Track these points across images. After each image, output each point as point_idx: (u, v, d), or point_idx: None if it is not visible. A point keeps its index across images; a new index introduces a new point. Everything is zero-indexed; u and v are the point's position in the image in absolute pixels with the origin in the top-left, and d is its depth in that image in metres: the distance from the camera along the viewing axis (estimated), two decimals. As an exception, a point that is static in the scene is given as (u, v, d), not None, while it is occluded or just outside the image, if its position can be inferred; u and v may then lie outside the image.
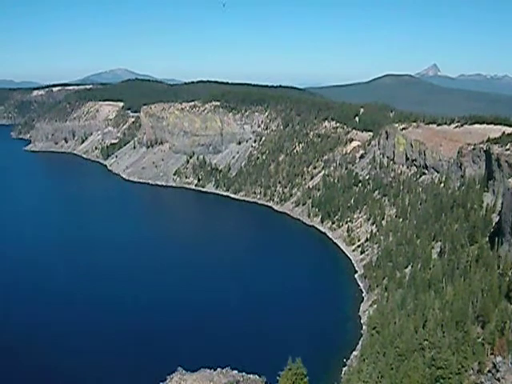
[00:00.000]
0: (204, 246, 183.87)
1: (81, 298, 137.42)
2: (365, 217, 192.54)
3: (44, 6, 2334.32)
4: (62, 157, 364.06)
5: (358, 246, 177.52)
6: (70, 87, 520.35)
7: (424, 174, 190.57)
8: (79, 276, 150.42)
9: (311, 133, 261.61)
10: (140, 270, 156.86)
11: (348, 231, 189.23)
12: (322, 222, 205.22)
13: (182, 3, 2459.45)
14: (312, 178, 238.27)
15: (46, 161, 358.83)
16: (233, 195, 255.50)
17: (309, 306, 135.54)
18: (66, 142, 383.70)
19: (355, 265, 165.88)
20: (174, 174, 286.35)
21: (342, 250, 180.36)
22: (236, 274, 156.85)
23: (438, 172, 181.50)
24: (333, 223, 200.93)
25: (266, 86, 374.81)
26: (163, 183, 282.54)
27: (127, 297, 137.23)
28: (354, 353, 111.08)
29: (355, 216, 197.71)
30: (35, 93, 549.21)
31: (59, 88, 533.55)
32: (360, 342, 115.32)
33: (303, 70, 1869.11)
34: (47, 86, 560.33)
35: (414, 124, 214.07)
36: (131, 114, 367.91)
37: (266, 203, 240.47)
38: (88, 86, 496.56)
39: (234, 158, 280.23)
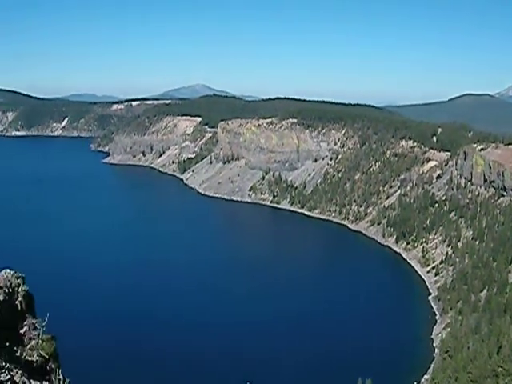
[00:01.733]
0: (276, 263, 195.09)
1: (149, 309, 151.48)
2: (440, 238, 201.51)
3: (124, 23, 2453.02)
4: (140, 170, 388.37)
5: (433, 268, 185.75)
6: (149, 102, 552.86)
7: (502, 195, 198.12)
8: (151, 293, 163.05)
9: (388, 152, 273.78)
10: (209, 288, 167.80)
11: (423, 252, 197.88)
12: (397, 242, 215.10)
13: (263, 22, 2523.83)
14: (388, 198, 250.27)
15: (123, 173, 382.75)
16: (307, 212, 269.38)
17: (380, 326, 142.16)
18: (144, 155, 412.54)
19: (429, 286, 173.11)
20: (250, 190, 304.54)
21: (416, 271, 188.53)
22: (306, 292, 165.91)
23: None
24: (408, 243, 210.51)
25: (343, 104, 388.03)
26: (238, 199, 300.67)
27: (199, 314, 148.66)
28: (426, 376, 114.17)
29: (430, 237, 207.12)
30: (115, 107, 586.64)
31: (138, 102, 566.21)
32: (432, 366, 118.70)
33: (381, 88, 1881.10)
34: (127, 101, 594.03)
35: (493, 145, 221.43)
36: (208, 130, 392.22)
37: (340, 221, 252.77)
38: (167, 101, 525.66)
39: (309, 175, 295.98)
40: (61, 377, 20.27)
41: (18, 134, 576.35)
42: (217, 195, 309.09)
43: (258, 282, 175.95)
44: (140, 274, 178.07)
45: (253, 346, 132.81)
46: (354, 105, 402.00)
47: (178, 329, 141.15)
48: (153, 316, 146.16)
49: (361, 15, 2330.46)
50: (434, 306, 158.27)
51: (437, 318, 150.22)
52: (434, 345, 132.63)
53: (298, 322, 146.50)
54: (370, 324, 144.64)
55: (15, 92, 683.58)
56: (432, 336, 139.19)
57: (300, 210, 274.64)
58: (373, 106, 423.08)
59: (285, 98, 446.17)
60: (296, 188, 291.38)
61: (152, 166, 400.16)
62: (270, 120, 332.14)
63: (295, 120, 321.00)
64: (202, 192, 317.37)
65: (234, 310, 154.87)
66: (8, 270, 27.00)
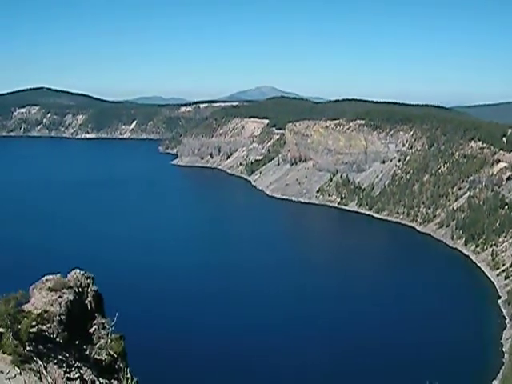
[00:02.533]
0: (341, 265, 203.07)
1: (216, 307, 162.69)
2: (511, 241, 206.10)
3: (193, 26, 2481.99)
4: (207, 172, 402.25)
5: (503, 271, 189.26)
6: (217, 104, 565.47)
7: None
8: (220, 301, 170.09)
9: (457, 153, 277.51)
10: (277, 291, 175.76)
11: (492, 255, 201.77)
12: (466, 245, 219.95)
13: (330, 24, 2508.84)
14: (456, 200, 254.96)
15: (191, 175, 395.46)
16: (375, 214, 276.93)
17: (448, 329, 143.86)
18: (212, 157, 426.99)
19: (499, 290, 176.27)
20: (317, 192, 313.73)
21: (485, 274, 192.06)
22: (374, 295, 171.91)
23: None
24: (477, 246, 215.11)
25: (411, 105, 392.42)
26: (306, 200, 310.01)
27: (265, 316, 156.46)
28: (495, 382, 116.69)
29: (500, 240, 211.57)
30: (183, 109, 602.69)
31: (206, 105, 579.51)
32: (501, 371, 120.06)
33: (449, 88, 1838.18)
34: (195, 103, 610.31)
35: None
36: (276, 131, 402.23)
37: (408, 223, 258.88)
38: (234, 103, 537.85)
39: (377, 176, 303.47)
40: (129, 375, 22.66)
41: (87, 136, 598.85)
42: (284, 197, 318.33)
43: (326, 283, 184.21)
44: (208, 276, 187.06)
45: (326, 348, 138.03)
46: (422, 105, 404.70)
47: (242, 330, 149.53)
48: (218, 318, 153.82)
49: (425, 13, 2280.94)
50: (503, 309, 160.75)
51: (507, 322, 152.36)
52: (504, 349, 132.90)
53: (367, 324, 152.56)
54: (439, 327, 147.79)
55: (85, 95, 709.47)
56: (502, 341, 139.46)
57: (368, 212, 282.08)
58: (441, 107, 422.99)
59: (352, 100, 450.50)
60: (364, 190, 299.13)
61: (220, 167, 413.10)
62: (337, 121, 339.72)
63: (363, 121, 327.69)
64: (270, 194, 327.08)
65: (299, 310, 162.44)
66: (78, 270, 33.68)
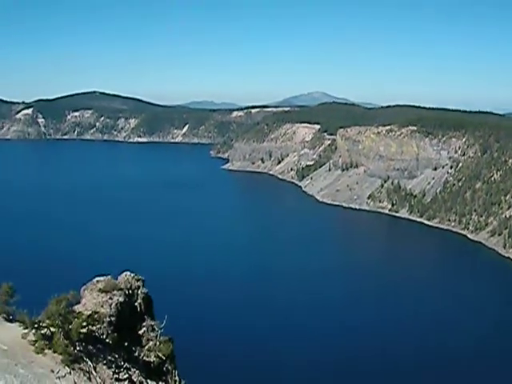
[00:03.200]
0: (390, 272, 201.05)
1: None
2: None
3: (245, 31, 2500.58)
4: (258, 176, 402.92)
5: None
6: (269, 109, 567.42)
7: None
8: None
9: (510, 160, 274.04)
10: (326, 296, 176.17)
11: None
12: None
13: (383, 31, 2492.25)
14: (509, 208, 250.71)
15: (242, 180, 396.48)
16: (426, 222, 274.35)
17: (500, 339, 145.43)
18: (263, 162, 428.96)
19: None
20: (368, 198, 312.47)
21: None
22: (421, 302, 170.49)
23: None
24: None
25: (464, 111, 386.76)
26: (356, 206, 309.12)
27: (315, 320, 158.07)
28: None
29: None
30: (234, 114, 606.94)
31: (258, 110, 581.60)
32: None
33: (503, 94, 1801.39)
34: (246, 108, 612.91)
35: None
36: (327, 137, 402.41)
37: (460, 231, 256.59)
38: (286, 108, 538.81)
39: (429, 183, 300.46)
40: (177, 378, 24.06)
41: (139, 140, 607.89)
42: (335, 203, 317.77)
43: (375, 289, 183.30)
44: (258, 280, 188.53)
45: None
46: (475, 112, 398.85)
47: (295, 336, 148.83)
48: (266, 323, 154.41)
49: (476, 18, 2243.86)
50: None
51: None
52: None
53: (418, 331, 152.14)
54: (491, 336, 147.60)
55: (138, 99, 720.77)
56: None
57: (419, 219, 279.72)
58: (494, 113, 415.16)
59: (404, 105, 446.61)
60: (415, 196, 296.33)
61: (271, 172, 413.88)
62: (389, 127, 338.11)
63: (415, 127, 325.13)
64: (320, 199, 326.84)
65: (347, 315, 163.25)
66: (128, 273, 34.26)
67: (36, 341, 21.26)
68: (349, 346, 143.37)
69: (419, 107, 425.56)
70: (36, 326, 21.64)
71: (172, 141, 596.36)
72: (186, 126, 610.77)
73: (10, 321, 25.62)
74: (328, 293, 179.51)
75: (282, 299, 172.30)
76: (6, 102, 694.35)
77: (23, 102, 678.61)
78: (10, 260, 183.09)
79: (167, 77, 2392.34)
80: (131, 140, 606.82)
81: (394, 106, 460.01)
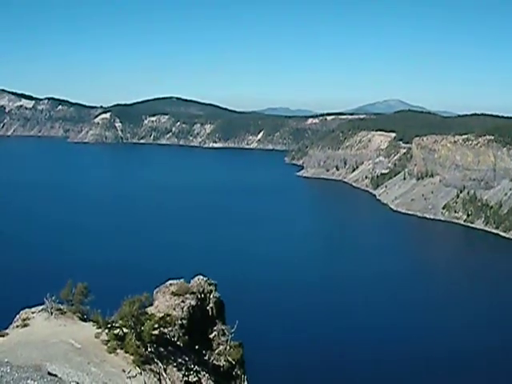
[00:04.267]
0: (462, 285, 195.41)
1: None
2: None
3: (321, 39, 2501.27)
4: (332, 184, 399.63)
5: None
6: (344, 116, 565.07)
7: None
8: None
9: None
10: (398, 304, 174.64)
11: None
12: None
13: (461, 36, 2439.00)
14: None
15: (316, 187, 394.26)
16: (502, 233, 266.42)
17: None
18: (337, 169, 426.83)
19: None
20: (443, 208, 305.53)
21: None
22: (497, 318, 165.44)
23: None
24: None
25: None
26: (431, 216, 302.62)
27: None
28: None
29: None
30: (309, 121, 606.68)
31: (333, 117, 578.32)
32: None
33: None
34: (321, 115, 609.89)
35: None
36: (403, 145, 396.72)
37: None
38: (361, 116, 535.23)
39: (506, 194, 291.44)
40: (246, 383, 24.34)
41: (215, 145, 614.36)
42: (409, 212, 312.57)
43: (447, 300, 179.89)
44: (328, 288, 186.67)
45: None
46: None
47: (370, 341, 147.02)
48: (338, 331, 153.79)
49: None
50: None
51: None
52: None
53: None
54: None
55: (214, 105, 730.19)
56: None
57: (494, 231, 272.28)
58: None
59: (482, 114, 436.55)
60: (491, 207, 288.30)
61: (345, 180, 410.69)
62: (466, 136, 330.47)
63: (492, 137, 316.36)
64: (394, 208, 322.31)
65: (418, 323, 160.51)
66: (201, 277, 34.54)
67: (109, 340, 21.73)
68: (432, 350, 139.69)
69: (497, 116, 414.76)
70: (109, 326, 22.13)
71: (247, 147, 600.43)
72: (261, 133, 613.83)
73: (84, 320, 26.42)
74: (404, 299, 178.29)
75: (352, 307, 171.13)
76: (85, 106, 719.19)
77: (101, 107, 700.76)
78: (86, 260, 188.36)
79: (244, 83, 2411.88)
80: (206, 145, 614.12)
81: (471, 115, 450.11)
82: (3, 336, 23.08)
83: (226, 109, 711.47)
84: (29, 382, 14.37)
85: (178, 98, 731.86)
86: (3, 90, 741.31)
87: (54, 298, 27.26)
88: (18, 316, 27.29)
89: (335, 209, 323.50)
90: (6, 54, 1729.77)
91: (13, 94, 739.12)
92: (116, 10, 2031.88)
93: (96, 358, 20.37)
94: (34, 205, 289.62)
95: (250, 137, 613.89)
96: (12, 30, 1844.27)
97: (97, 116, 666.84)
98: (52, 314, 25.87)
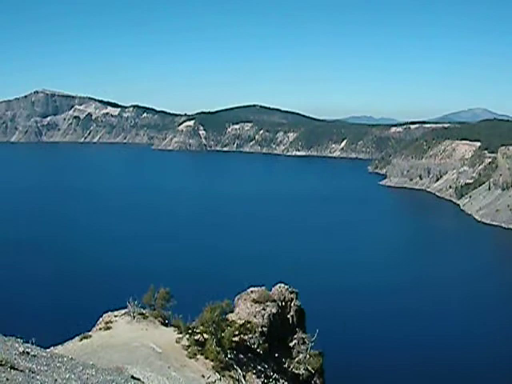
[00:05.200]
0: None
1: None
2: None
3: (404, 48, 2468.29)
4: (415, 193, 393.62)
5: None
6: (428, 125, 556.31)
7: None
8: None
9: None
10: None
11: None
12: None
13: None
14: None
15: (399, 196, 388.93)
16: None
17: None
18: (421, 179, 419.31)
19: None
20: None
21: None
22: None
23: None
24: None
25: None
26: None
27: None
28: None
29: None
30: (393, 129, 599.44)
31: (417, 125, 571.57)
32: None
33: None
34: (405, 123, 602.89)
35: None
36: (488, 155, 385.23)
37: None
38: (445, 125, 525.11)
39: None
40: None
41: (297, 153, 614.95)
42: (494, 223, 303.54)
43: None
44: (411, 295, 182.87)
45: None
46: None
47: (455, 348, 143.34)
48: (424, 339, 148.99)
49: None
50: None
51: None
52: None
53: None
54: None
55: (297, 114, 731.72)
56: None
57: None
58: None
59: None
60: None
61: (428, 190, 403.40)
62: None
63: None
64: (479, 219, 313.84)
65: None
66: (282, 285, 34.11)
67: (189, 346, 21.85)
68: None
69: None
70: (190, 331, 22.29)
71: (329, 155, 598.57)
72: (345, 141, 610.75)
73: (166, 325, 26.81)
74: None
75: (447, 311, 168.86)
76: (170, 114, 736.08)
77: (185, 115, 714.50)
78: (169, 266, 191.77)
79: (327, 92, 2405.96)
80: (289, 153, 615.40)
81: None
82: (86, 338, 23.55)
83: (308, 117, 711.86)
84: (114, 385, 14.45)
85: (261, 106, 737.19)
86: (90, 98, 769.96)
87: (136, 302, 27.74)
88: (101, 319, 27.93)
89: (418, 218, 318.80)
90: (93, 63, 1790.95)
91: (99, 101, 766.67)
92: (201, 21, 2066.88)
93: (176, 363, 20.45)
94: (119, 209, 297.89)
95: (333, 145, 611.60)
96: (101, 41, 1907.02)
97: (181, 123, 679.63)
98: (134, 317, 26.25)
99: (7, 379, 12.64)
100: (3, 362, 13.38)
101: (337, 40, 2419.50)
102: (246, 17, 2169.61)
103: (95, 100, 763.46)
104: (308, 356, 26.63)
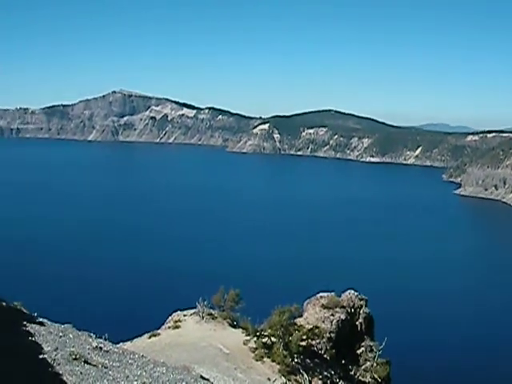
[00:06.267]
0: None
1: None
2: None
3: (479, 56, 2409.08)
4: (490, 203, 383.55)
5: None
6: (505, 134, 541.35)
7: None
8: None
9: None
10: None
11: None
12: None
13: None
14: None
15: (472, 206, 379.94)
16: None
17: None
18: (496, 189, 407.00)
19: None
20: None
21: None
22: None
23: None
24: None
25: None
26: None
27: None
28: None
29: None
30: (469, 138, 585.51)
31: (493, 134, 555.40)
32: None
33: None
34: (481, 132, 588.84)
35: None
36: None
37: None
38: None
39: None
40: None
41: (371, 160, 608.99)
42: None
43: None
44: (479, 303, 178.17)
45: None
46: None
47: None
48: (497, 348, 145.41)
49: None
50: None
51: None
52: None
53: None
54: None
55: (371, 119, 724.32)
56: None
57: None
58: None
59: None
60: None
61: (503, 200, 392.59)
62: None
63: None
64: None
65: None
66: (352, 291, 33.55)
67: (256, 348, 21.82)
68: None
69: None
70: (258, 334, 22.28)
71: (404, 162, 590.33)
72: (419, 148, 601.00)
73: (234, 326, 26.91)
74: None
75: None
76: (245, 117, 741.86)
77: (260, 118, 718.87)
78: (239, 267, 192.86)
79: (403, 98, 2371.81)
80: (363, 159, 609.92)
81: None
82: (155, 336, 23.85)
83: (383, 123, 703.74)
84: (183, 384, 14.51)
85: (336, 111, 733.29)
86: (166, 99, 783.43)
87: (205, 302, 27.95)
88: (170, 317, 28.29)
89: (492, 229, 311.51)
90: (170, 64, 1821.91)
91: (176, 103, 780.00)
92: (281, 24, 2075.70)
93: (243, 365, 20.44)
94: (193, 210, 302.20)
95: (408, 152, 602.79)
96: (179, 43, 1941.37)
97: (256, 127, 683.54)
98: (203, 318, 26.43)
99: (81, 373, 12.90)
100: (77, 357, 13.73)
101: (411, 46, 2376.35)
102: (329, 21, 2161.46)
103: (171, 101, 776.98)
104: (375, 364, 26.30)
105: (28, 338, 14.60)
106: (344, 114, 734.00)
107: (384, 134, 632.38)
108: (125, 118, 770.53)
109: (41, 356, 13.48)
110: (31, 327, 15.54)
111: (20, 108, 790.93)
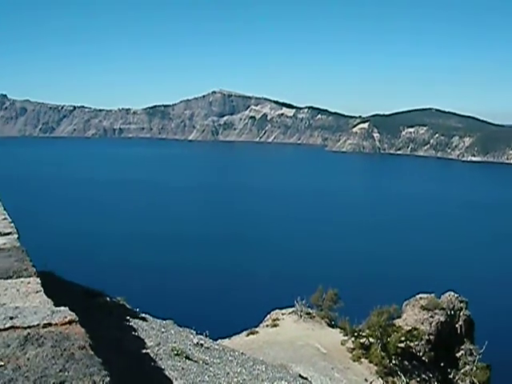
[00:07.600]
0: None
1: None
2: None
3: None
4: None
5: None
6: None
7: None
8: None
9: None
10: None
11: None
12: None
13: None
14: None
15: None
16: None
17: None
18: None
19: None
20: None
21: None
22: None
23: None
24: None
25: None
26: None
27: None
28: None
29: None
30: None
31: None
32: None
33: None
34: None
35: None
36: None
37: None
38: None
39: None
40: None
41: (473, 159, 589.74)
42: None
43: None
44: None
45: None
46: None
47: None
48: None
49: None
50: None
51: None
52: None
53: None
54: None
55: (474, 118, 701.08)
56: None
57: None
58: None
59: None
60: None
61: None
62: None
63: None
64: None
65: None
66: (452, 293, 32.26)
67: (354, 348, 21.59)
68: None
69: None
70: (356, 334, 22.05)
71: (507, 161, 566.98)
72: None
73: (332, 326, 26.86)
74: None
75: None
76: (344, 115, 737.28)
77: (360, 117, 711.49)
78: (338, 267, 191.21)
79: (505, 96, 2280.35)
80: (464, 159, 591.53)
81: None
82: (253, 334, 24.01)
83: (485, 121, 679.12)
84: (283, 382, 14.51)
85: (436, 110, 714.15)
86: (266, 99, 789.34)
87: (304, 301, 27.91)
88: (268, 316, 28.44)
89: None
90: (268, 64, 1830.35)
91: (275, 102, 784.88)
92: (381, 25, 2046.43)
93: (340, 365, 20.26)
94: (298, 209, 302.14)
95: (511, 152, 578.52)
96: (276, 42, 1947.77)
97: (355, 126, 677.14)
98: (301, 317, 26.41)
99: (182, 368, 13.15)
100: (179, 352, 14.03)
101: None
102: (434, 21, 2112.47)
103: (271, 101, 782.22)
104: (475, 368, 25.45)
105: (132, 332, 15.02)
106: (444, 112, 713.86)
107: (486, 133, 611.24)
108: (224, 118, 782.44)
109: (144, 351, 13.83)
110: (134, 322, 15.97)
111: (122, 108, 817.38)
